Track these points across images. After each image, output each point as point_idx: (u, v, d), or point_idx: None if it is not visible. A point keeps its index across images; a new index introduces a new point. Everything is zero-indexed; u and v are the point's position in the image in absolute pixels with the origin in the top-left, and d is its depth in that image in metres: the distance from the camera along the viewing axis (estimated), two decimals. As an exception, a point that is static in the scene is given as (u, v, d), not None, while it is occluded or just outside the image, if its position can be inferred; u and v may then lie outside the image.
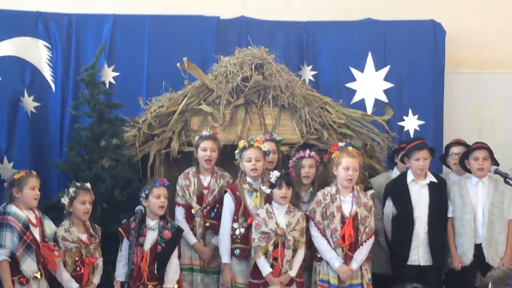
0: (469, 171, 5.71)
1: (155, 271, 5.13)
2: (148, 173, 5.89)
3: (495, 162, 5.61)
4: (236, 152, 5.47)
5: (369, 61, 6.70)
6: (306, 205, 5.52)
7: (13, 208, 4.95)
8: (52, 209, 5.43)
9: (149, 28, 6.54)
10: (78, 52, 6.49)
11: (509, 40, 6.92)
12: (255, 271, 5.20)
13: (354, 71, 6.71)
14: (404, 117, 6.72)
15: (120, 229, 5.19)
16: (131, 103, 6.19)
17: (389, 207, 5.67)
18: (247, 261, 5.34)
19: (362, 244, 5.24)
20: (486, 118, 6.91)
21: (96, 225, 5.29)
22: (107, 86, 6.31)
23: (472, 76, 6.89)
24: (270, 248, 5.14)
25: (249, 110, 6.03)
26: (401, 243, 5.57)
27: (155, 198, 5.19)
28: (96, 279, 5.18)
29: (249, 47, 6.17)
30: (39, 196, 5.10)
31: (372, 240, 5.32)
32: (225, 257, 5.37)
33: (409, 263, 5.56)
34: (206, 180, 5.59)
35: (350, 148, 5.36)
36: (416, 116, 6.70)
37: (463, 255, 5.57)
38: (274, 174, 5.21)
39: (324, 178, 5.58)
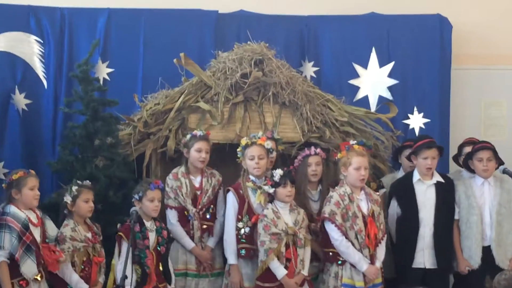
0: (473, 171, 5.70)
1: (161, 272, 5.19)
2: (144, 173, 5.89)
3: (499, 162, 5.61)
4: (238, 150, 5.48)
5: (373, 57, 6.72)
6: (316, 204, 5.55)
7: (12, 209, 4.96)
8: (45, 209, 5.39)
9: (145, 22, 6.55)
10: (71, 48, 6.50)
11: (518, 35, 6.95)
12: (266, 275, 5.19)
13: (357, 68, 6.73)
14: (409, 115, 6.74)
15: (120, 233, 5.14)
16: (126, 100, 6.18)
17: (394, 208, 5.68)
18: (253, 262, 5.35)
19: (380, 242, 5.28)
20: (493, 115, 6.92)
21: (95, 222, 5.33)
22: (101, 82, 6.33)
23: (480, 72, 6.91)
24: (283, 249, 5.16)
25: (249, 107, 6.04)
26: (406, 245, 5.58)
27: (149, 201, 5.21)
28: (101, 279, 5.22)
29: (249, 42, 6.16)
30: (39, 196, 5.11)
31: (386, 236, 5.36)
32: (231, 258, 5.37)
33: (414, 266, 5.56)
34: (197, 180, 5.57)
35: (356, 146, 5.37)
36: (422, 114, 6.72)
37: (470, 258, 5.57)
38: (278, 173, 5.24)
39: (335, 177, 5.57)
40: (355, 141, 5.47)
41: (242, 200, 5.41)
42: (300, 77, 6.28)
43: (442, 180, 5.68)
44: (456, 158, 6.02)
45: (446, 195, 5.65)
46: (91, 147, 5.81)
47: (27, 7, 6.48)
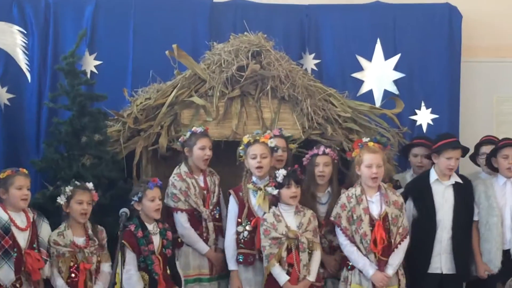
0: (497, 170, 5.68)
1: (169, 276, 5.18)
2: (134, 172, 5.88)
3: None
4: (240, 148, 5.48)
5: (378, 49, 6.70)
6: (325, 207, 5.53)
7: None
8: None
9: (135, 11, 6.53)
10: (57, 39, 6.48)
11: (532, 26, 6.94)
12: (270, 281, 5.18)
13: (361, 60, 6.71)
14: (416, 111, 6.72)
15: (124, 241, 5.04)
16: (115, 94, 6.15)
17: (410, 209, 5.65)
18: (253, 267, 5.36)
19: (396, 247, 5.22)
20: (506, 111, 6.90)
21: (99, 226, 5.30)
22: (89, 76, 6.32)
23: (492, 65, 6.88)
24: (284, 254, 5.14)
25: (245, 102, 6.01)
26: (422, 249, 5.55)
27: (149, 201, 5.20)
28: (99, 287, 5.15)
29: (245, 33, 6.14)
30: (29, 196, 5.10)
31: (407, 241, 5.29)
32: (231, 264, 5.39)
33: (430, 271, 5.54)
34: (200, 179, 5.59)
35: (371, 143, 5.34)
36: (430, 109, 6.70)
37: (489, 262, 5.55)
38: (281, 173, 5.21)
39: (352, 178, 5.53)
40: (368, 138, 5.44)
41: (242, 203, 5.42)
42: (300, 70, 6.25)
43: (460, 181, 5.67)
44: (473, 158, 5.99)
45: (464, 196, 5.64)
46: (78, 145, 5.77)
47: (9, -5, 6.49)
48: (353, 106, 6.16)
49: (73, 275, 5.08)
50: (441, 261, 5.53)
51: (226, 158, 5.66)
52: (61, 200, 5.18)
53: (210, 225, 5.49)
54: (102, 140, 5.81)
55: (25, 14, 6.45)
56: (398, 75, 6.70)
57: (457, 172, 5.77)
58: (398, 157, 6.25)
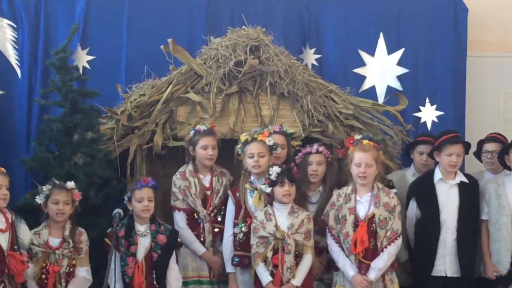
0: (509, 168, 5.66)
1: (154, 282, 5.15)
2: (128, 171, 5.88)
3: None
4: (238, 147, 5.47)
5: (381, 43, 6.72)
6: (315, 206, 5.52)
7: None
8: (18, 212, 5.33)
9: (129, 5, 6.54)
10: (48, 33, 6.50)
11: (540, 19, 6.94)
12: (258, 282, 5.18)
13: (364, 55, 6.72)
14: (421, 107, 6.73)
15: (106, 239, 5.14)
16: (108, 91, 6.17)
17: (413, 210, 5.65)
18: (250, 269, 5.32)
19: (382, 251, 5.18)
20: (513, 108, 6.93)
21: (79, 228, 5.28)
22: (81, 71, 6.35)
23: (498, 60, 6.90)
24: (269, 254, 5.13)
25: (243, 99, 6.03)
26: (425, 251, 5.54)
27: (137, 202, 5.20)
28: None
29: (244, 26, 6.17)
30: (8, 196, 5.08)
31: (396, 245, 5.22)
32: (229, 266, 5.40)
33: (433, 274, 5.52)
34: (206, 179, 5.59)
35: (366, 141, 5.33)
36: (434, 106, 6.72)
37: (498, 263, 5.52)
38: (274, 170, 5.19)
39: (345, 177, 5.54)
40: (360, 136, 5.43)
41: (238, 203, 5.41)
42: (300, 65, 6.26)
43: (466, 180, 5.64)
44: (478, 155, 5.98)
45: (470, 196, 5.61)
46: (70, 143, 5.79)
47: (-2, -12, 6.49)
48: (355, 103, 6.17)
49: (43, 276, 5.08)
50: (445, 264, 5.50)
51: (223, 157, 5.65)
52: (39, 199, 5.18)
53: (207, 226, 5.48)
54: (94, 138, 5.82)
55: (15, 7, 6.46)
56: (402, 70, 6.71)
57: (463, 171, 5.76)
58: (401, 155, 6.25)
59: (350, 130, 6.03)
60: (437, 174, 5.64)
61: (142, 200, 5.19)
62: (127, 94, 6.17)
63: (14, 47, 6.47)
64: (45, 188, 5.19)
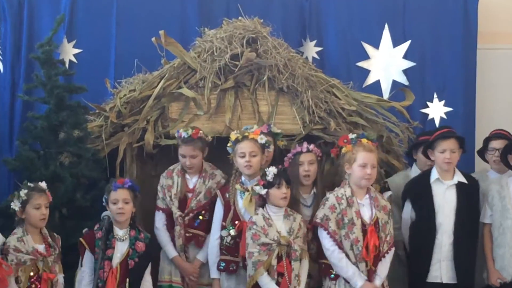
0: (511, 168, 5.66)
1: None
2: (117, 171, 5.89)
3: None
4: (228, 145, 5.47)
5: (386, 35, 6.70)
6: (309, 210, 5.50)
7: None
8: (0, 215, 5.41)
9: (118, -6, 6.57)
10: (32, 25, 6.49)
11: (555, 9, 6.96)
12: None
13: (368, 47, 6.71)
14: (428, 103, 6.72)
15: (81, 239, 5.15)
16: (96, 86, 6.18)
17: (408, 212, 5.65)
18: (237, 275, 5.35)
19: (384, 256, 5.21)
20: (526, 103, 6.93)
21: (55, 234, 5.27)
22: (67, 65, 6.34)
23: (510, 52, 6.90)
24: (274, 262, 5.11)
25: (240, 94, 6.02)
26: (420, 256, 5.52)
27: (112, 204, 5.19)
28: None
29: (240, 17, 6.15)
30: None
31: (393, 250, 5.29)
32: (213, 271, 5.40)
33: (429, 280, 5.51)
34: (192, 180, 5.62)
35: (364, 140, 5.32)
36: (443, 101, 6.71)
37: (502, 269, 5.53)
38: (271, 171, 5.17)
39: (331, 177, 5.55)
40: (355, 134, 5.42)
41: (227, 205, 5.41)
42: (300, 58, 6.26)
43: (465, 181, 5.62)
44: (482, 153, 5.98)
45: (469, 198, 5.60)
46: (55, 142, 5.79)
47: (-21, -22, 6.51)
48: (359, 98, 6.17)
49: (33, 286, 5.03)
50: (441, 269, 5.49)
51: (218, 156, 5.65)
52: (15, 205, 5.09)
53: (177, 229, 5.49)
54: (82, 136, 5.82)
55: (-4, -3, 6.49)
56: (408, 64, 6.70)
57: (463, 171, 5.71)
58: (406, 154, 6.24)
59: (353, 127, 6.02)
60: (434, 174, 5.63)
61: (116, 202, 5.17)
62: (116, 90, 6.16)
63: (-4, 40, 6.49)
64: (22, 193, 5.12)
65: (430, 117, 6.70)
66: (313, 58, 6.66)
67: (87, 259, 5.13)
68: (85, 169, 5.74)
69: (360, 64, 6.69)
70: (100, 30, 6.52)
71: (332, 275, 5.20)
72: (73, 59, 6.50)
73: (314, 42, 6.69)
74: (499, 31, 6.87)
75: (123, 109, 5.90)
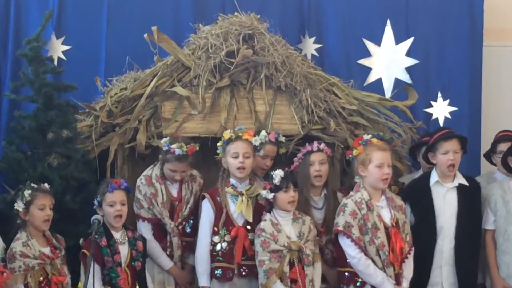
0: None
1: None
2: (108, 173, 5.89)
3: None
4: (218, 144, 5.47)
5: (388, 32, 6.73)
6: (320, 212, 5.53)
7: None
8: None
9: (109, -11, 6.57)
10: (19, 20, 6.49)
11: None
12: None
13: (369, 44, 6.74)
14: (432, 102, 6.75)
15: (84, 250, 5.09)
16: (86, 84, 6.19)
17: (407, 215, 5.60)
18: (230, 283, 5.33)
19: (406, 257, 5.23)
20: (534, 102, 6.95)
21: (57, 234, 5.28)
22: (56, 63, 6.33)
23: (518, 50, 6.95)
24: (286, 269, 5.12)
25: (236, 93, 6.03)
26: (420, 261, 5.48)
27: (108, 206, 5.20)
28: None
29: (236, 13, 6.17)
30: None
31: (413, 250, 5.30)
32: (203, 280, 5.36)
33: (429, 286, 5.53)
34: (174, 187, 5.60)
35: (375, 140, 5.32)
36: (447, 101, 6.74)
37: (508, 277, 5.54)
38: (278, 174, 5.19)
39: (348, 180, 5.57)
40: (370, 135, 5.42)
41: (219, 209, 5.37)
42: (298, 56, 6.27)
43: (466, 183, 5.63)
44: (488, 156, 5.98)
45: (470, 201, 5.61)
46: (43, 142, 5.79)
47: (-37, -29, 6.50)
48: (360, 98, 6.18)
49: None
50: (442, 275, 5.51)
51: (213, 157, 5.61)
52: (18, 206, 5.12)
53: (175, 240, 5.48)
54: (71, 136, 5.81)
55: (-19, -8, 6.49)
56: (411, 61, 6.72)
57: (464, 173, 5.73)
58: (409, 156, 6.25)
59: (354, 127, 6.05)
60: (434, 177, 5.65)
61: (114, 204, 5.19)
62: (107, 88, 6.17)
63: (-19, 37, 6.49)
64: (26, 194, 5.14)
65: (434, 117, 6.73)
66: (312, 55, 6.69)
67: (96, 271, 5.02)
68: (75, 171, 5.72)
69: (361, 61, 6.72)
70: (90, 26, 6.51)
71: (358, 283, 5.18)
72: (62, 56, 6.49)
73: (313, 38, 6.72)
74: (506, 27, 6.91)
75: (114, 108, 5.90)
